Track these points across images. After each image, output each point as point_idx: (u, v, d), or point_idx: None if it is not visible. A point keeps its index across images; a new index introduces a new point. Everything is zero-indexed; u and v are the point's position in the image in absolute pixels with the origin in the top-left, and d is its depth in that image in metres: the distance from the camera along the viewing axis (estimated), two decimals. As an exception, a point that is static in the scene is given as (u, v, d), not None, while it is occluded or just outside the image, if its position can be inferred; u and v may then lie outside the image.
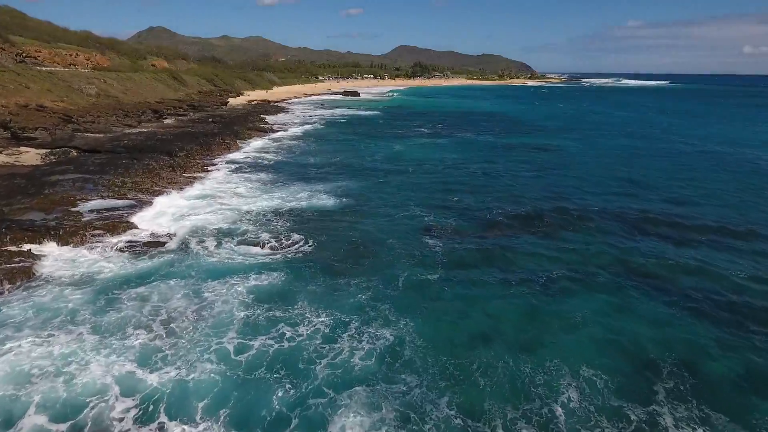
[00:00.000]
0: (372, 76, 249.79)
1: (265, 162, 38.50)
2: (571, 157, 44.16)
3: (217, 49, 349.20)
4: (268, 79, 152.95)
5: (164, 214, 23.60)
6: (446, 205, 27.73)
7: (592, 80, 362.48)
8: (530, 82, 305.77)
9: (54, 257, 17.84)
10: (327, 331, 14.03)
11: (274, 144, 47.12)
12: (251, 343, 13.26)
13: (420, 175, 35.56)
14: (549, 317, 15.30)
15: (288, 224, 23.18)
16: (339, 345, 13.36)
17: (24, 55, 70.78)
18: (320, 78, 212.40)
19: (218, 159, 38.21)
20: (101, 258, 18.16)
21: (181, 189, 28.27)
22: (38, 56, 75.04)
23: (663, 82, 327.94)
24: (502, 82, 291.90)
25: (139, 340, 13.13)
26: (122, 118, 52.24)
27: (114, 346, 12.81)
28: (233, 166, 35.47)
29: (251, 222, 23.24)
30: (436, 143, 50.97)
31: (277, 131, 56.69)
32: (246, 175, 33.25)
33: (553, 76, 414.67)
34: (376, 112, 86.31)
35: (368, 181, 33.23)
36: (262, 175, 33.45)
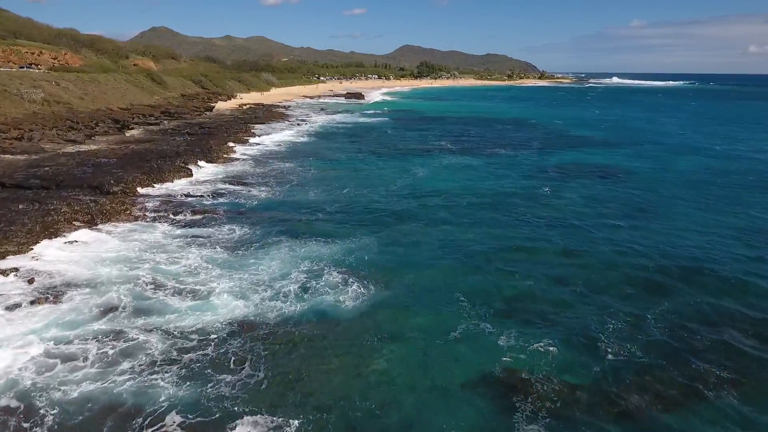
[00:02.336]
0: (377, 76, 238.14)
1: (239, 201, 27.16)
2: (655, 188, 32.67)
3: (220, 49, 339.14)
4: (265, 80, 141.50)
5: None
6: (519, 300, 16.44)
7: (605, 81, 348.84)
8: (541, 83, 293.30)
9: None
10: None
11: (258, 169, 35.73)
12: None
13: (462, 224, 24.14)
14: None
15: (254, 378, 11.86)
16: None
17: (-31, 52, 59.78)
18: (322, 78, 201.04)
19: (167, 195, 26.84)
20: None
21: (69, 266, 16.89)
22: (-12, 54, 63.88)
23: (680, 83, 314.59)
24: (511, 83, 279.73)
25: None
26: (65, 131, 40.97)
27: None
28: (184, 215, 23.97)
29: (172, 379, 11.84)
30: (468, 165, 39.54)
31: (265, 146, 45.42)
32: (199, 231, 21.85)
33: (559, 75, 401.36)
34: (384, 119, 74.98)
35: (391, 238, 21.81)
36: (227, 231, 22.06)
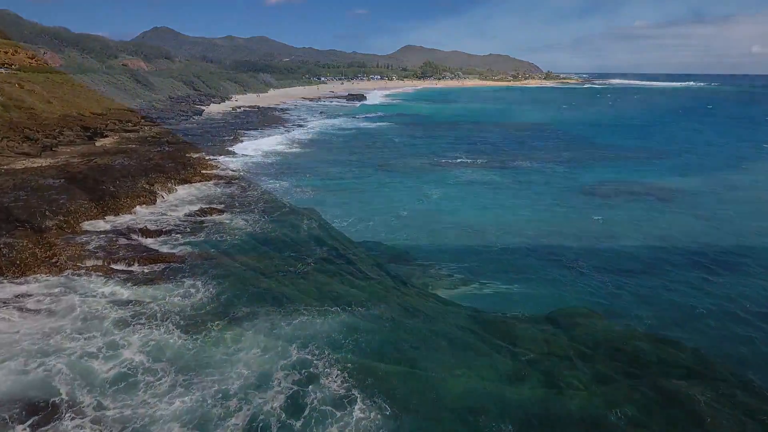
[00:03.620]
0: (379, 76, 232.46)
1: (210, 239, 21.19)
2: (726, 215, 26.74)
3: (221, 50, 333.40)
4: (263, 81, 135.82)
5: None
6: None
7: (609, 81, 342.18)
8: (547, 83, 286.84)
9: None
10: None
11: (241, 191, 29.74)
12: None
13: (497, 279, 18.20)
14: None
15: None
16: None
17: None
18: (323, 79, 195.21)
19: (118, 232, 20.78)
20: None
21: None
22: (-46, 53, 58.12)
23: (687, 83, 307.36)
24: (516, 83, 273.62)
25: None
26: (19, 142, 35.04)
27: None
28: (134, 264, 18.00)
29: None
30: (490, 183, 33.56)
31: (254, 158, 39.54)
32: (151, 292, 15.88)
33: (564, 76, 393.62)
34: (388, 124, 69.04)
35: (405, 305, 15.85)
36: (188, 293, 16.07)
